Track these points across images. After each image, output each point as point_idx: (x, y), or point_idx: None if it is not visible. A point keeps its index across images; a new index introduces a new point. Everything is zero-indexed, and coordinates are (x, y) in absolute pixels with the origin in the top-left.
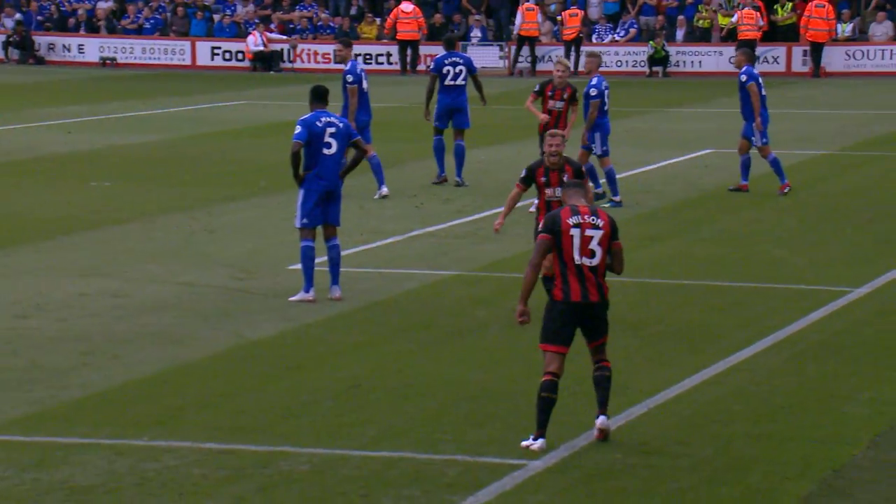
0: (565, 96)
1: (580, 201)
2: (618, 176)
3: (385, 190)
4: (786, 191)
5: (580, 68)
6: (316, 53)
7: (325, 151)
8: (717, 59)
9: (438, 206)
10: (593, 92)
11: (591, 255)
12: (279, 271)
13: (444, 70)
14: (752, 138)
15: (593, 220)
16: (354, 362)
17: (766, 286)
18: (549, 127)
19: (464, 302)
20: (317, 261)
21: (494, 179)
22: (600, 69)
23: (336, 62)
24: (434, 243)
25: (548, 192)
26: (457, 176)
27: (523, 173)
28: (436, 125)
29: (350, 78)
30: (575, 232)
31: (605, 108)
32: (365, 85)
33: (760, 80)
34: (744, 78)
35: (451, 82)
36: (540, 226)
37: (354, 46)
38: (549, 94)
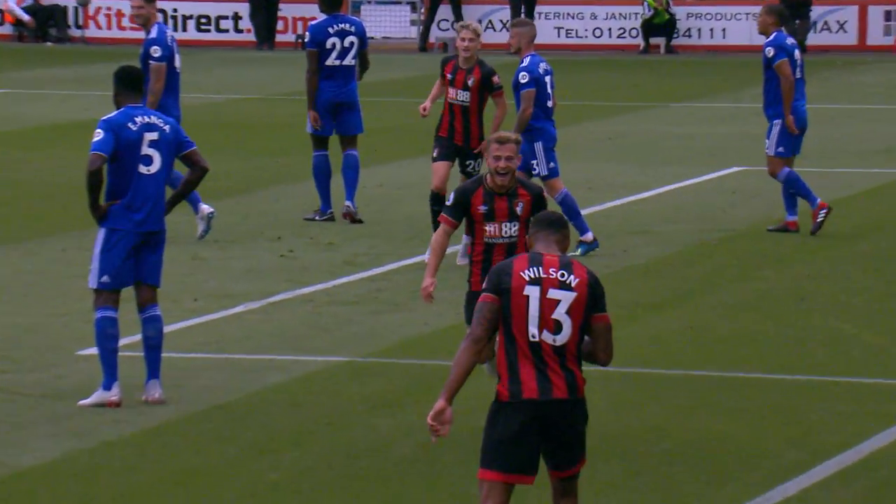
0: (470, 82)
1: (550, 248)
2: (597, 208)
3: (207, 208)
4: (822, 214)
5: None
6: (120, 15)
7: (143, 170)
8: (748, 26)
9: (317, 254)
10: (524, 79)
11: (556, 328)
12: (62, 358)
13: (328, 44)
14: (767, 141)
15: (562, 275)
16: (183, 503)
17: (827, 380)
18: (444, 130)
19: (357, 405)
20: (124, 342)
21: (403, 213)
22: (534, 44)
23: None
24: (310, 313)
25: (488, 229)
26: (347, 199)
27: (451, 199)
28: (314, 133)
29: (156, 51)
30: (532, 292)
31: (549, 102)
32: (178, 62)
33: (797, 54)
34: (770, 51)
35: (337, 62)
36: (483, 283)
37: (183, 5)
38: (450, 76)
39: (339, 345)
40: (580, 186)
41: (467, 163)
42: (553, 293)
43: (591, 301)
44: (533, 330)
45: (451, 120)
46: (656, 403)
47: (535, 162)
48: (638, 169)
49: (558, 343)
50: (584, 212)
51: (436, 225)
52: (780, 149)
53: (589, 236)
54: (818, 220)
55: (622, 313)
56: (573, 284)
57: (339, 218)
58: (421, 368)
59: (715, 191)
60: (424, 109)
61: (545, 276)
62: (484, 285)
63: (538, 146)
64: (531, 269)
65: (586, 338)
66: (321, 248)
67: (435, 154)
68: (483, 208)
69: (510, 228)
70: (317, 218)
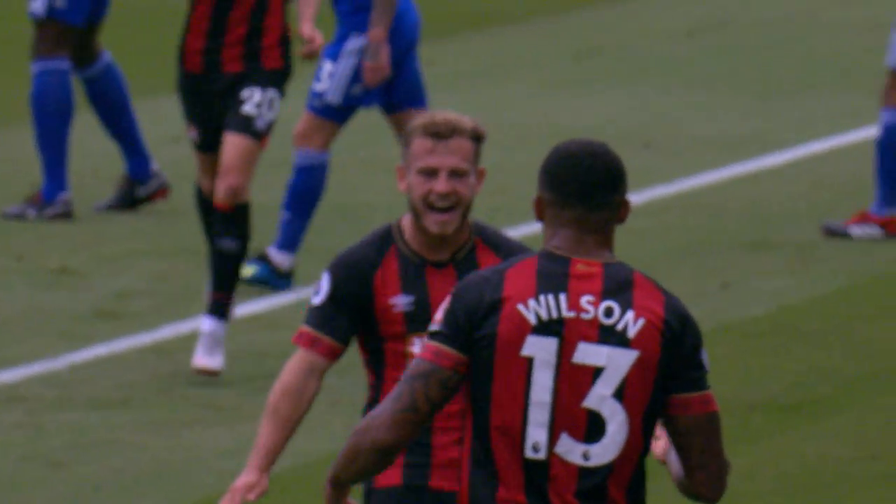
0: None
1: (583, 242)
2: (660, 192)
3: None
4: None
5: None
6: None
7: None
8: None
9: (34, 294)
10: None
11: (591, 430)
12: None
13: None
14: None
15: (608, 312)
16: None
17: None
18: (193, 56)
19: None
20: None
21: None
22: None
23: None
24: (20, 439)
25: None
26: (131, 157)
27: (325, 286)
28: (43, 16)
29: None
30: (540, 350)
31: None
32: None
33: None
34: None
35: None
36: (435, 318)
37: None
38: None
39: None
40: (625, 143)
41: (245, 94)
42: (587, 352)
43: (670, 365)
44: (537, 436)
45: (216, 24)
46: None
47: (322, 83)
48: (750, 104)
49: (594, 463)
50: (634, 199)
51: (222, 292)
52: None
53: (285, 261)
54: None
55: (726, 422)
56: (631, 332)
57: (85, 205)
58: None
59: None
60: None
61: (571, 313)
62: (435, 321)
63: (352, 48)
64: (542, 298)
65: (660, 447)
66: (43, 281)
67: (192, 134)
68: (402, 302)
69: None
70: (31, 213)
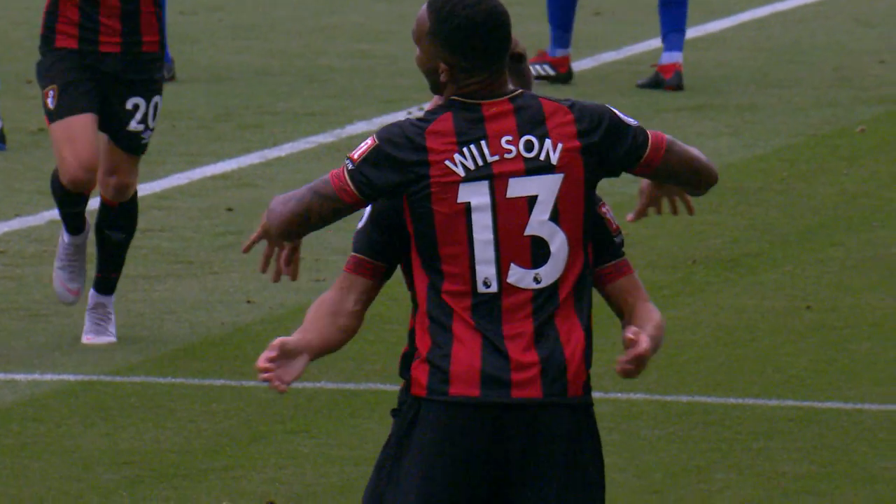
0: None
1: (489, 89)
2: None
3: None
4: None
5: None
6: None
7: None
8: None
9: None
10: None
11: (537, 254)
12: None
13: None
14: None
15: (528, 144)
16: None
17: None
18: (67, 22)
19: None
20: None
21: None
22: None
23: None
24: None
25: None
26: None
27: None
28: None
29: None
30: (475, 195)
31: None
32: None
33: None
34: None
35: None
36: (355, 153)
37: None
38: None
39: None
40: (578, 11)
41: (130, 105)
42: (518, 186)
43: (600, 165)
44: (486, 272)
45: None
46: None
47: None
48: None
49: (545, 283)
50: (585, 63)
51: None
52: None
53: None
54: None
55: (665, 278)
56: (554, 158)
57: None
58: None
59: (839, 14)
60: None
61: (495, 157)
62: (354, 158)
63: None
64: (465, 150)
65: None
66: (23, 142)
67: (51, 99)
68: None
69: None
70: None
